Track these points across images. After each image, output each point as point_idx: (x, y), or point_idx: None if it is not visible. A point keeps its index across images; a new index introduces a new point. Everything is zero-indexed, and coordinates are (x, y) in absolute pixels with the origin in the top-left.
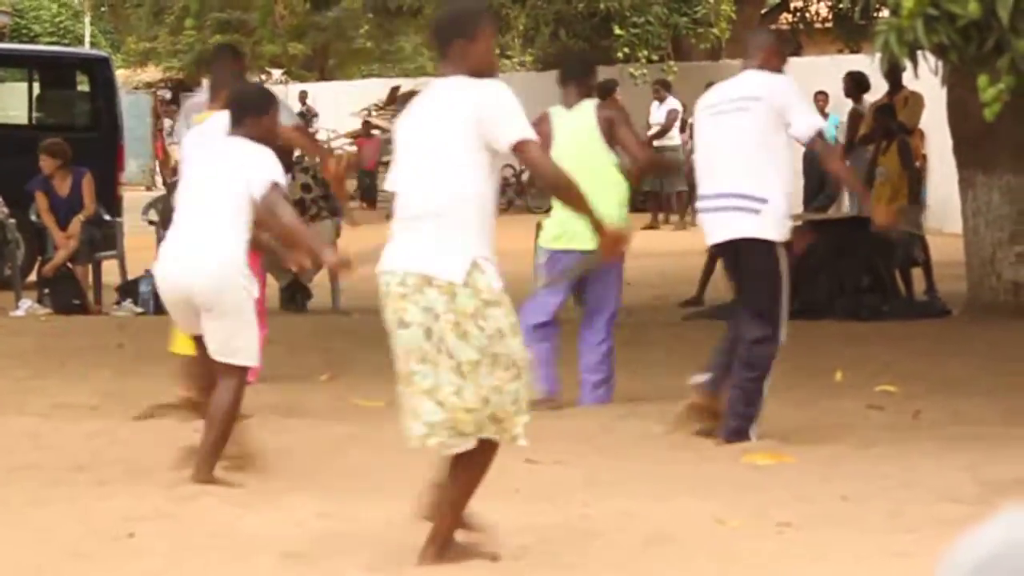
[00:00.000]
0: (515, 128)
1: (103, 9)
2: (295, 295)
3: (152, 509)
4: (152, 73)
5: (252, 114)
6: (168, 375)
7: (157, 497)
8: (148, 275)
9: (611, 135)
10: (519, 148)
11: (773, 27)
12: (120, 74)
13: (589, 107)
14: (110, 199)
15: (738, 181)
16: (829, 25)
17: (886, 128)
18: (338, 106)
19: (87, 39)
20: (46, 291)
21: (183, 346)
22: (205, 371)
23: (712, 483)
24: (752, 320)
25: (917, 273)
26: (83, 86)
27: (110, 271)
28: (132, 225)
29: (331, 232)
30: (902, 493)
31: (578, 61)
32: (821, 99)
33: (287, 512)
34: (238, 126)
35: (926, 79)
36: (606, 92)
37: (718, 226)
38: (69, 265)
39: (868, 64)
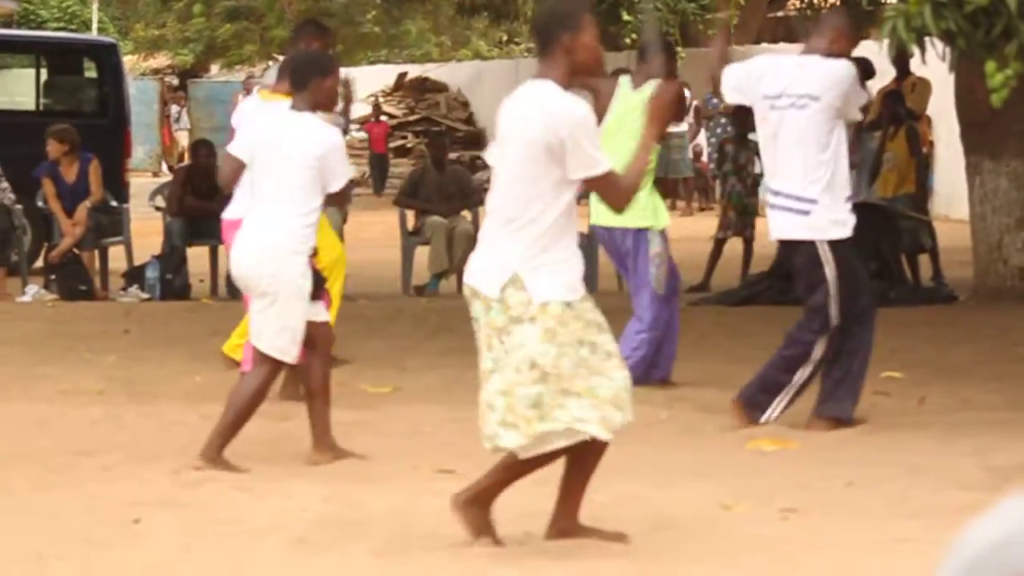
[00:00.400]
0: (585, 163)
1: None
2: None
3: (158, 495)
4: (160, 60)
5: (316, 75)
6: (173, 360)
7: (163, 483)
8: (154, 261)
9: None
10: (590, 183)
11: (781, 13)
12: (127, 60)
13: (646, 90)
14: (117, 185)
15: (791, 181)
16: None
17: (894, 114)
18: None
19: (95, 25)
20: (53, 277)
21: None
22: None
23: (717, 469)
24: (805, 316)
25: (924, 259)
26: (90, 72)
27: (116, 257)
28: (138, 211)
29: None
30: (908, 479)
31: (662, 43)
32: None
33: (293, 498)
34: (301, 88)
35: (934, 65)
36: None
37: (774, 224)
38: (76, 251)
39: (876, 50)
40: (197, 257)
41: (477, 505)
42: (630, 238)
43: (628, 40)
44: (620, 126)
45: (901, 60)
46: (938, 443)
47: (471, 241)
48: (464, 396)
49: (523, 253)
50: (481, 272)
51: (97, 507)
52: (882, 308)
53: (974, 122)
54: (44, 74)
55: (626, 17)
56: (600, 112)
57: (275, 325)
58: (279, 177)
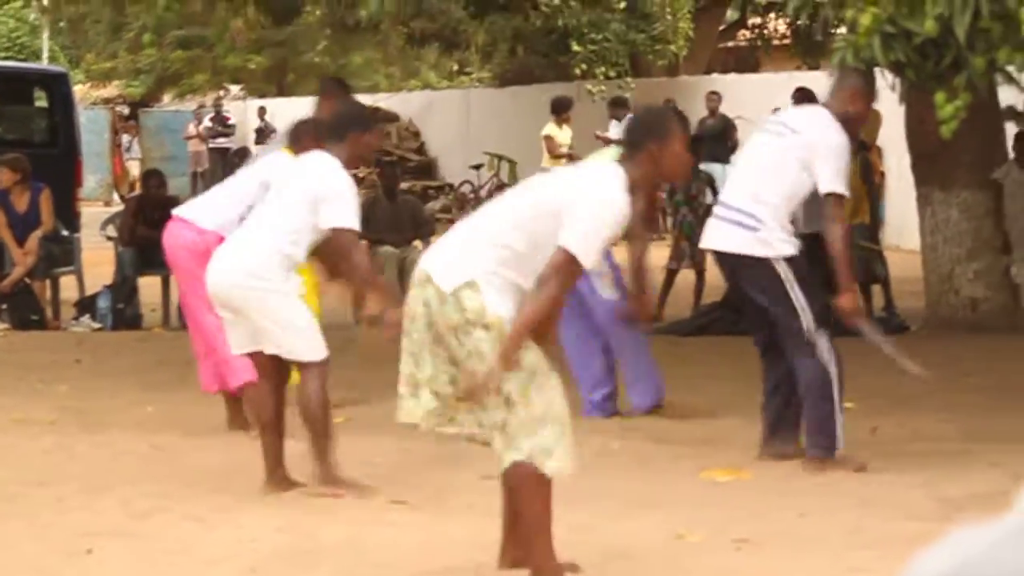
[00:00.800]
0: (570, 237)
1: (61, 24)
2: None
3: (110, 525)
4: (110, 89)
5: (357, 129)
6: (125, 390)
7: (115, 513)
8: (106, 290)
9: None
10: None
11: (732, 43)
12: (78, 90)
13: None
14: (68, 215)
15: (742, 197)
16: (787, 42)
17: None
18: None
19: (45, 54)
20: (4, 307)
21: None
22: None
23: (670, 499)
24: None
25: (876, 289)
26: (41, 102)
27: (68, 287)
28: (90, 241)
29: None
30: (860, 510)
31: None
32: None
33: (245, 528)
34: (339, 140)
35: (884, 96)
36: (561, 108)
37: (717, 235)
38: (27, 281)
39: (826, 81)
40: (149, 287)
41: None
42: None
43: (578, 71)
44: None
45: None
46: (890, 473)
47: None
48: (394, 428)
49: (488, 268)
50: (445, 264)
51: (49, 537)
52: (834, 338)
53: (924, 153)
54: None
55: (576, 47)
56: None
57: (281, 331)
58: (276, 205)
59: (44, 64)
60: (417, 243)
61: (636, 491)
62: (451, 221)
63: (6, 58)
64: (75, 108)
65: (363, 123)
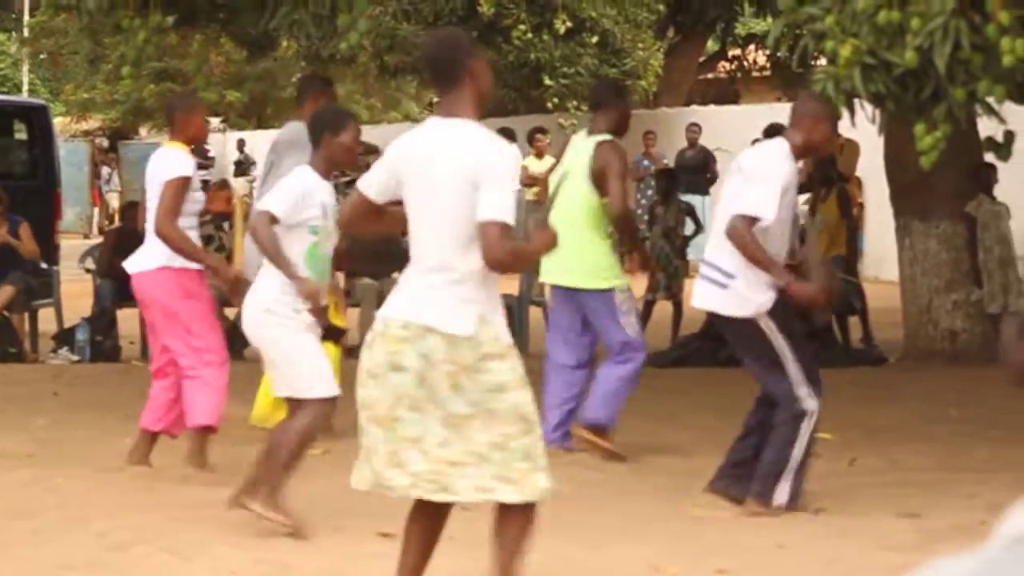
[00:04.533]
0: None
1: (42, 57)
2: (231, 342)
3: (87, 558)
4: (91, 122)
5: (327, 130)
6: (103, 422)
7: (92, 546)
8: (84, 323)
9: (602, 179)
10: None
11: (712, 75)
12: (58, 122)
13: (591, 143)
14: (47, 247)
15: (717, 251)
16: (767, 73)
17: (825, 176)
18: None
19: (25, 87)
20: None
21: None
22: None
23: (649, 530)
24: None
25: (854, 321)
26: (21, 134)
27: (46, 319)
28: (69, 273)
29: None
30: (839, 541)
31: (608, 88)
32: None
33: (222, 560)
34: (315, 147)
35: (863, 127)
36: (531, 139)
37: (699, 294)
38: (5, 313)
39: None
40: (127, 319)
41: None
42: (593, 299)
43: (550, 104)
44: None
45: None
46: (868, 504)
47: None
48: None
49: (487, 297)
50: (444, 310)
51: (26, 570)
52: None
53: (904, 184)
54: None
55: (547, 82)
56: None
57: (288, 369)
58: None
59: (24, 96)
60: (396, 275)
61: (616, 522)
62: None
63: None
64: (55, 140)
65: (332, 123)
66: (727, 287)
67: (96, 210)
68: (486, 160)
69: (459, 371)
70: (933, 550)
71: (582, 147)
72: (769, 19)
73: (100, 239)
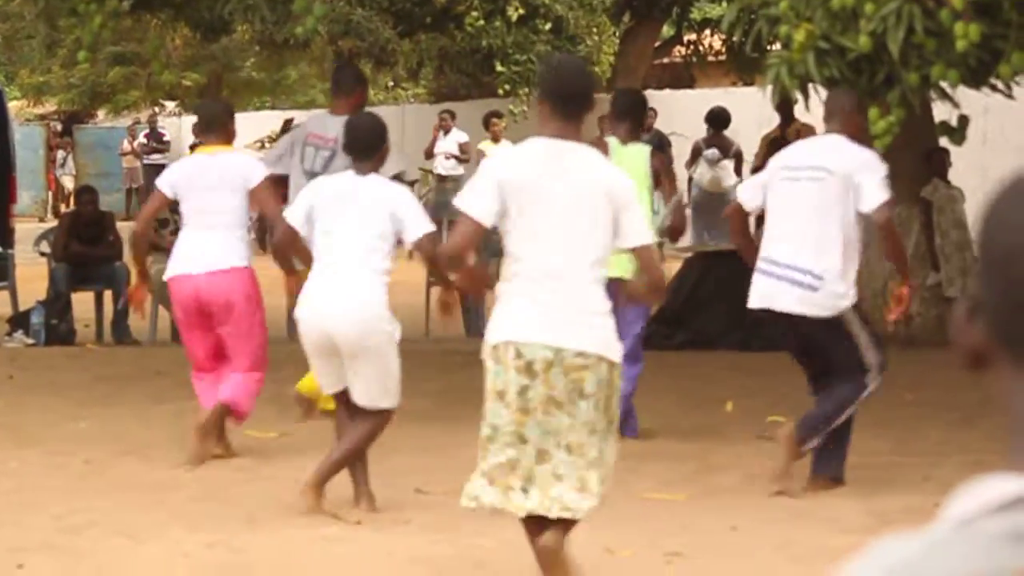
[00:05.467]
0: None
1: None
2: None
3: (41, 540)
4: (46, 106)
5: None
6: (58, 406)
7: (47, 529)
8: (39, 306)
9: (656, 184)
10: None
11: (667, 60)
12: (13, 106)
13: (645, 150)
14: (2, 231)
15: (801, 254)
16: (722, 58)
17: None
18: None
19: None
20: None
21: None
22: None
23: (602, 514)
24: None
25: None
26: None
27: (1, 302)
28: (24, 257)
29: None
30: (792, 523)
31: (631, 98)
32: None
33: (177, 543)
34: (364, 160)
35: (817, 112)
36: (487, 123)
37: (780, 296)
38: None
39: (760, 96)
40: (82, 303)
41: None
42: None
43: (502, 91)
44: None
45: (785, 107)
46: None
47: None
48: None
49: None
50: (607, 340)
51: None
52: (769, 353)
53: None
54: None
55: (500, 68)
56: None
57: (389, 377)
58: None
59: None
60: None
61: None
62: None
63: None
64: (9, 124)
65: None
66: (818, 289)
67: (51, 194)
68: (618, 184)
69: (574, 391)
70: (886, 532)
71: (633, 154)
72: (724, 4)
73: (55, 223)
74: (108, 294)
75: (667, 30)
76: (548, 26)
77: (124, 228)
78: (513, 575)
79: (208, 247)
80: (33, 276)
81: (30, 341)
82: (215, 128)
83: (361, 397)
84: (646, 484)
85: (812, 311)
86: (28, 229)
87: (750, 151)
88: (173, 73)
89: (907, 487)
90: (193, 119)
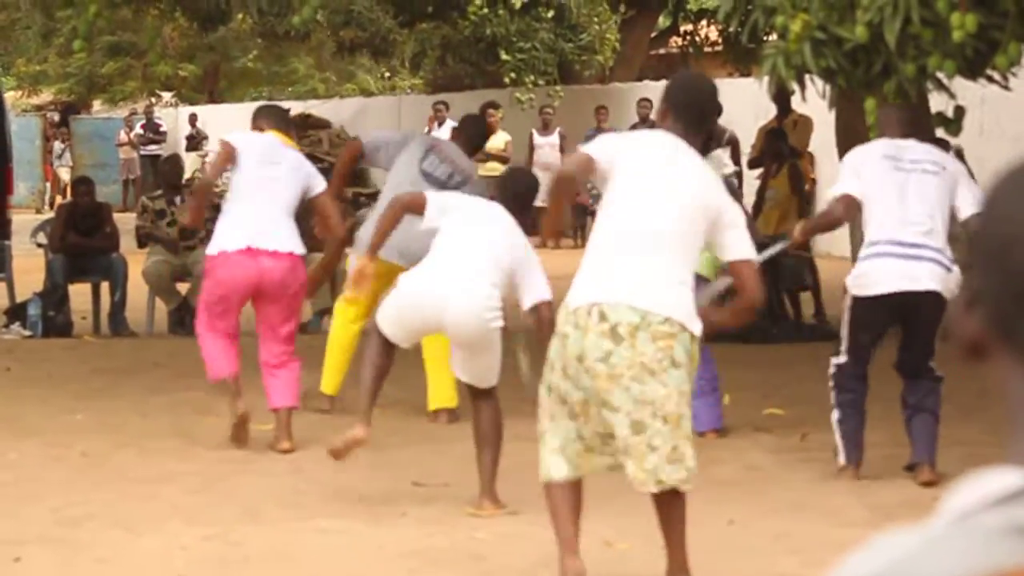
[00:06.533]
0: None
1: None
2: (184, 318)
3: (39, 533)
4: (43, 96)
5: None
6: (55, 398)
7: (45, 521)
8: (36, 298)
9: None
10: None
11: (663, 50)
12: (9, 96)
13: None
14: None
15: (937, 238)
16: (719, 49)
17: (776, 151)
18: (229, 128)
19: None
20: None
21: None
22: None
23: (600, 507)
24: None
25: (806, 297)
26: None
27: None
28: (20, 248)
29: None
30: (789, 516)
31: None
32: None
33: (174, 536)
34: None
35: (814, 102)
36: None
37: (923, 274)
38: None
39: (757, 87)
40: (79, 294)
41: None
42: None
43: (507, 79)
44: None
45: (782, 97)
46: (820, 480)
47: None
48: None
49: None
50: (690, 311)
51: None
52: (764, 345)
53: None
54: None
55: (504, 56)
56: None
57: (496, 363)
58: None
59: None
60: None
61: None
62: None
63: None
64: (6, 115)
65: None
66: (952, 271)
67: (48, 185)
68: (725, 199)
69: (664, 355)
70: (883, 526)
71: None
72: None
73: (52, 214)
74: (105, 286)
75: (663, 21)
76: (551, 14)
77: (121, 219)
78: (509, 568)
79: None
80: (30, 268)
81: (27, 333)
82: (288, 128)
83: (472, 378)
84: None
85: (947, 292)
86: (25, 220)
87: (747, 142)
88: (169, 64)
89: (905, 480)
90: (189, 109)
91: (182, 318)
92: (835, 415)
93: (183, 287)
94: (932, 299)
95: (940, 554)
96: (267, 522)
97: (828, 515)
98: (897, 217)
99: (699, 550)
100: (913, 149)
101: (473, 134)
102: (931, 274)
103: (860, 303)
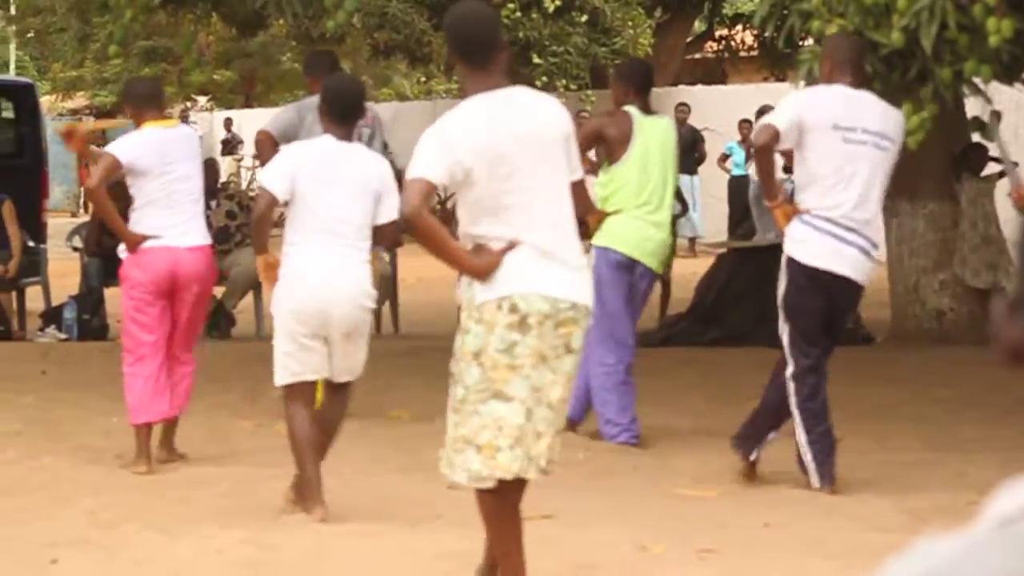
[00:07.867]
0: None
1: (29, 35)
2: (218, 321)
3: (75, 535)
4: (78, 100)
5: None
6: (90, 401)
7: (80, 524)
8: (72, 301)
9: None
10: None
11: (699, 55)
12: (45, 100)
13: (671, 124)
14: (35, 225)
15: (876, 224)
16: (754, 53)
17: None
18: None
19: (12, 65)
20: None
21: None
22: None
23: (634, 511)
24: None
25: None
26: (7, 112)
27: (34, 297)
28: (56, 251)
29: (253, 259)
30: (825, 520)
31: (645, 68)
32: (746, 128)
33: (209, 539)
34: (346, 123)
35: None
36: None
37: (858, 266)
38: None
39: (793, 92)
40: (115, 297)
41: None
42: (648, 280)
43: (539, 83)
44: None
45: None
46: (855, 484)
47: (388, 282)
48: (368, 441)
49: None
50: (588, 290)
51: (15, 548)
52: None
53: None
54: None
55: (536, 60)
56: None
57: (363, 355)
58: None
59: (11, 75)
60: (384, 254)
61: (601, 503)
62: None
63: None
64: (42, 119)
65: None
66: (872, 257)
67: (83, 189)
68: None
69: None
70: (919, 530)
71: (662, 127)
72: None
73: (87, 218)
74: None
75: (699, 25)
76: (584, 18)
77: None
78: (544, 571)
79: None
80: (65, 271)
81: (63, 336)
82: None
83: (344, 374)
84: (678, 480)
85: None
86: (60, 224)
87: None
88: (205, 72)
89: (940, 484)
90: (225, 113)
91: (217, 322)
92: (801, 435)
93: (218, 291)
94: (852, 287)
95: (980, 561)
96: (301, 525)
97: (863, 519)
98: (835, 199)
99: (734, 553)
100: (865, 113)
101: None
102: (855, 262)
103: (802, 270)
